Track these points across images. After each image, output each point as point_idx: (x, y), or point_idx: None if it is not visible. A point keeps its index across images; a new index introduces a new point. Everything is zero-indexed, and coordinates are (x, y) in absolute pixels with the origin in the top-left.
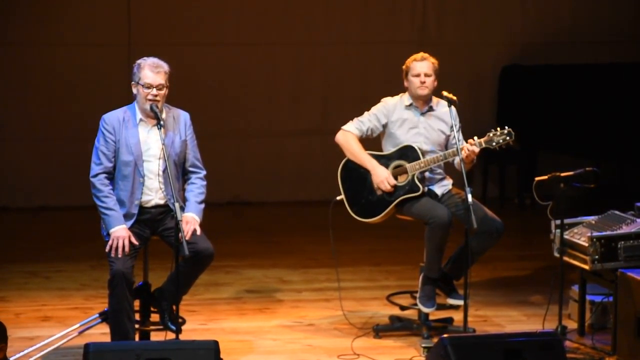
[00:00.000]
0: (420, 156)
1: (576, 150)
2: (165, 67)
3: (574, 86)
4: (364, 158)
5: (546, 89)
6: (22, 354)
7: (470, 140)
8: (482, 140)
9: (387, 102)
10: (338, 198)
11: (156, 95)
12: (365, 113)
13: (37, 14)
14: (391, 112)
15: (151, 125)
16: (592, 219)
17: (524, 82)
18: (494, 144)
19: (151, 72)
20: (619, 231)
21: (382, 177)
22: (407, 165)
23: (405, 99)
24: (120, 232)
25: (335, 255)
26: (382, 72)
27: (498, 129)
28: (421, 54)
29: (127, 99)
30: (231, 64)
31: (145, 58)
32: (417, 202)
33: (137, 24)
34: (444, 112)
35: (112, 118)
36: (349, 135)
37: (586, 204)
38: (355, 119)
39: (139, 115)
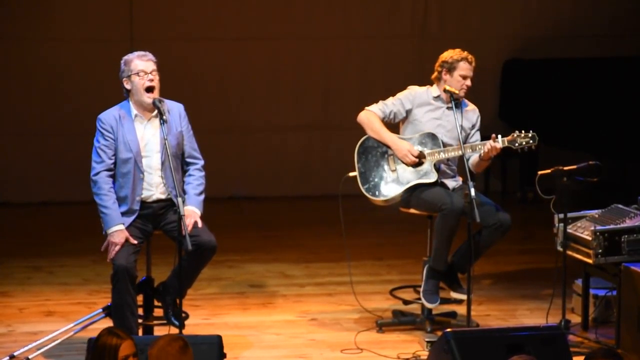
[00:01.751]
0: (441, 145)
1: (578, 144)
2: (151, 56)
3: (576, 80)
4: (386, 134)
5: (548, 83)
6: (25, 348)
7: (493, 136)
8: (505, 139)
9: (414, 89)
10: (351, 174)
11: (152, 80)
12: (390, 97)
13: (37, 8)
14: (417, 99)
15: (147, 119)
16: (595, 212)
17: (525, 76)
18: (516, 144)
19: (141, 60)
20: (622, 225)
21: (405, 149)
22: (427, 152)
23: (433, 90)
24: (115, 237)
25: (345, 240)
26: (384, 66)
27: (523, 131)
28: (470, 55)
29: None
30: (232, 58)
31: (128, 54)
32: (429, 190)
33: (138, 19)
34: (468, 110)
35: (108, 117)
36: (371, 114)
37: (589, 198)
38: (380, 102)
39: (134, 111)
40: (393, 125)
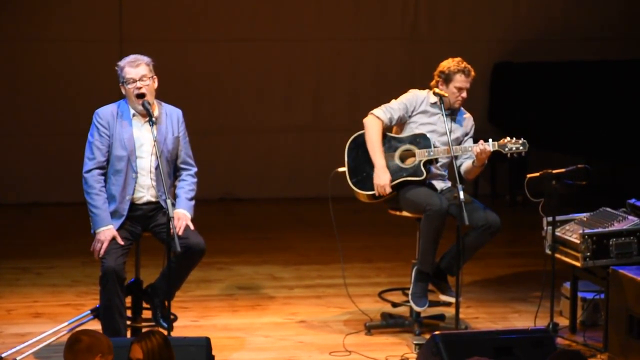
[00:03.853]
0: (432, 145)
1: (568, 147)
2: (144, 59)
3: (565, 83)
4: (377, 154)
5: (538, 86)
6: (13, 350)
7: (482, 141)
8: (496, 143)
9: (417, 93)
10: (340, 169)
11: (140, 88)
12: (394, 101)
13: (27, 9)
14: (419, 103)
15: (144, 121)
16: (583, 216)
17: (515, 79)
18: (506, 149)
19: (131, 67)
20: (610, 228)
21: (383, 182)
22: (417, 151)
23: (431, 96)
24: (103, 235)
25: (338, 240)
26: (374, 69)
27: (514, 137)
28: (468, 67)
29: (118, 95)
30: (223, 60)
31: (124, 58)
32: (415, 189)
33: (128, 20)
34: (465, 118)
35: (105, 112)
36: (376, 122)
37: (578, 201)
38: (385, 106)
39: (131, 111)
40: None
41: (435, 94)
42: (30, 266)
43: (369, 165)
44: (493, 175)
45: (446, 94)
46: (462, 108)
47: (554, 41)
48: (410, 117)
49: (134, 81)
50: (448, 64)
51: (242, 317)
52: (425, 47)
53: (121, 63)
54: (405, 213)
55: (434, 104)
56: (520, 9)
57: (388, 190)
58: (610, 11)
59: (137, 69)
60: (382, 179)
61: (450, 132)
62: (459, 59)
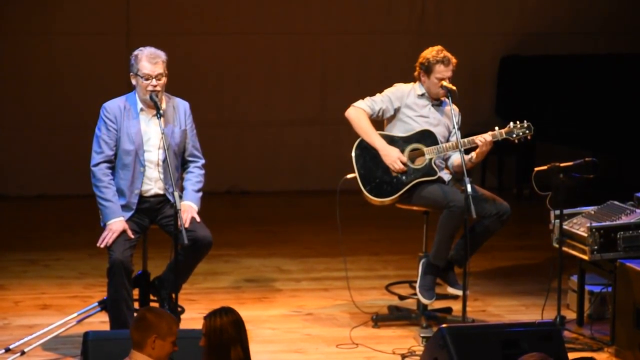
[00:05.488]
0: (439, 142)
1: (574, 141)
2: (162, 56)
3: (572, 77)
4: (374, 137)
5: (545, 79)
6: (21, 342)
7: (490, 132)
8: (502, 130)
9: (401, 87)
10: (349, 176)
11: (156, 86)
12: (378, 94)
13: (34, 2)
14: (405, 97)
15: (151, 114)
16: (591, 209)
17: (522, 72)
18: (514, 135)
19: (149, 62)
20: (618, 222)
21: (394, 156)
22: (425, 149)
23: (417, 88)
24: (115, 226)
25: (341, 239)
26: (381, 62)
27: (518, 122)
28: (447, 56)
29: (125, 88)
30: (230, 53)
31: (142, 48)
32: (431, 187)
33: (135, 12)
34: (451, 109)
35: (113, 106)
36: (360, 112)
37: (585, 195)
38: (367, 98)
39: (139, 105)
40: (378, 121)
41: (443, 87)
42: (38, 258)
43: (380, 169)
44: (500, 168)
45: (454, 88)
46: (446, 100)
47: (561, 34)
48: (396, 110)
49: (150, 78)
50: (427, 54)
51: (249, 309)
52: (432, 40)
53: (138, 53)
54: (413, 207)
55: (421, 96)
56: (528, 2)
57: (404, 160)
58: (618, 4)
59: (154, 67)
60: (391, 155)
61: (447, 125)
62: (438, 47)
